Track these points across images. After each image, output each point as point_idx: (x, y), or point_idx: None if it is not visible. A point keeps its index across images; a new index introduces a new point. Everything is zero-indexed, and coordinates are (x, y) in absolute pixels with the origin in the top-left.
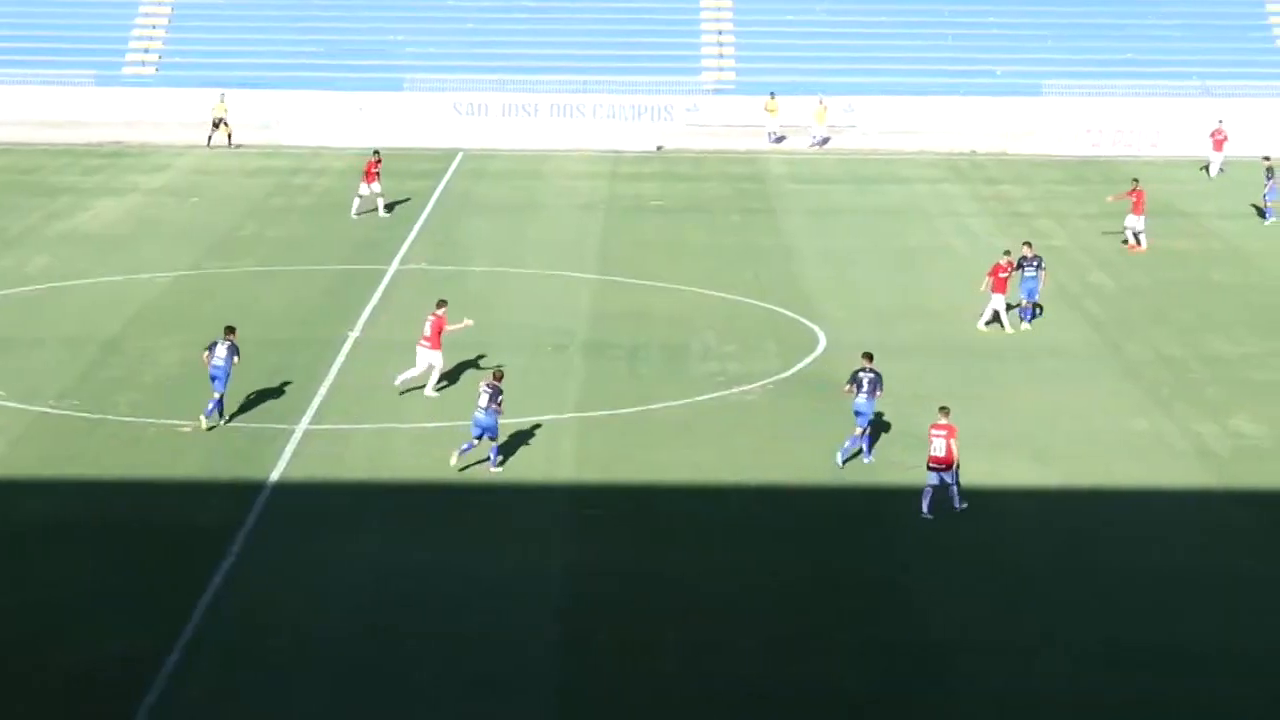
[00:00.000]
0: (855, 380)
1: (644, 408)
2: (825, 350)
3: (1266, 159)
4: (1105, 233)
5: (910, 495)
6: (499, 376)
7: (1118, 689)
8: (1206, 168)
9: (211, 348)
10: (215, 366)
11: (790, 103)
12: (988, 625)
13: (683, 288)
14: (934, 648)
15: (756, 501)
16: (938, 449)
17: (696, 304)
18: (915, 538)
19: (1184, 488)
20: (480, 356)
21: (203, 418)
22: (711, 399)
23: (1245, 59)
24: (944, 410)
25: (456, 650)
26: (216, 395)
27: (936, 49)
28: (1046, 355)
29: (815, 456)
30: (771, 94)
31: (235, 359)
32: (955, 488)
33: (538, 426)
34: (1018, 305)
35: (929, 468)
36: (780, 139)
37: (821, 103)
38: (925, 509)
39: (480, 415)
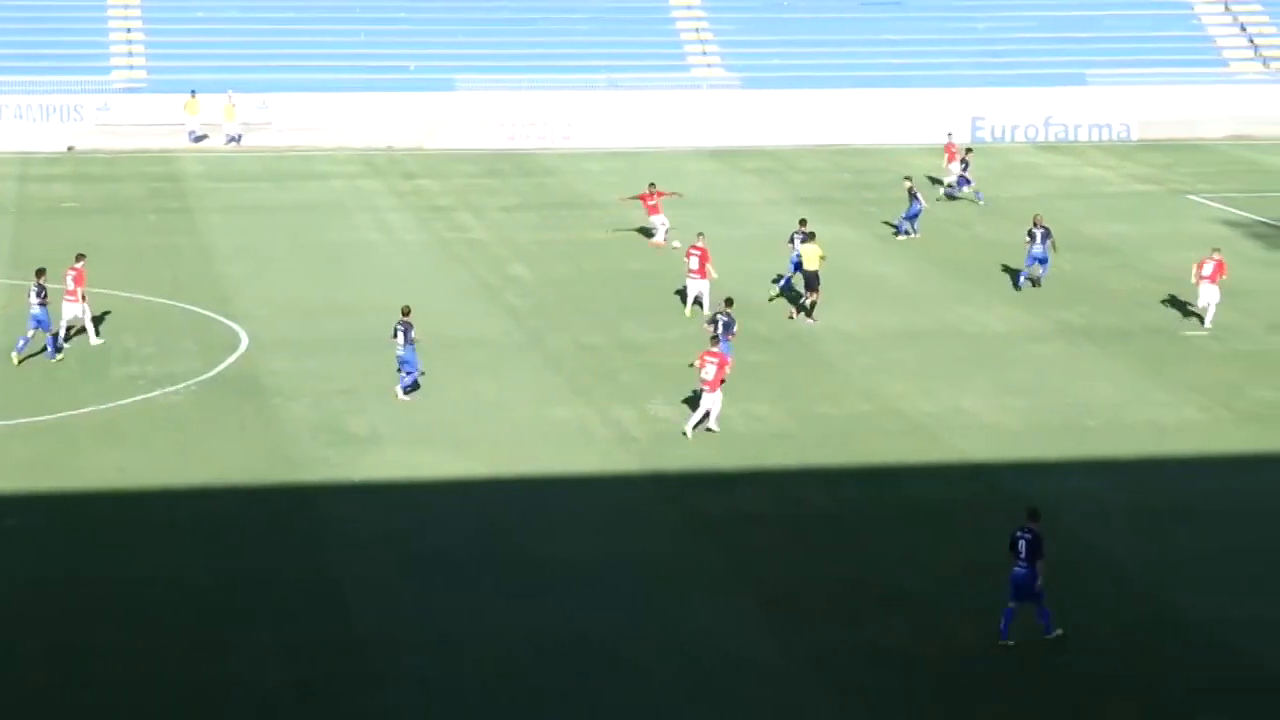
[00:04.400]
0: (714, 320)
1: (65, 414)
2: (248, 349)
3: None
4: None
5: (330, 491)
6: (407, 312)
7: (545, 677)
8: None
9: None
10: (30, 314)
11: (211, 101)
12: (413, 617)
13: (99, 290)
14: (360, 642)
15: (182, 503)
16: (707, 373)
17: (114, 306)
18: (340, 534)
19: (605, 473)
20: None
21: (14, 355)
22: (134, 402)
23: (650, 52)
24: (714, 339)
25: None
26: (37, 333)
27: (350, 45)
28: (469, 347)
29: (241, 455)
30: (192, 92)
31: (37, 298)
32: (704, 416)
33: None
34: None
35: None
36: (201, 138)
37: (230, 99)
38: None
39: (400, 351)
